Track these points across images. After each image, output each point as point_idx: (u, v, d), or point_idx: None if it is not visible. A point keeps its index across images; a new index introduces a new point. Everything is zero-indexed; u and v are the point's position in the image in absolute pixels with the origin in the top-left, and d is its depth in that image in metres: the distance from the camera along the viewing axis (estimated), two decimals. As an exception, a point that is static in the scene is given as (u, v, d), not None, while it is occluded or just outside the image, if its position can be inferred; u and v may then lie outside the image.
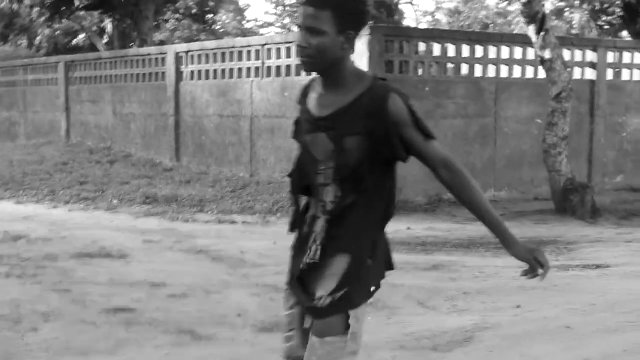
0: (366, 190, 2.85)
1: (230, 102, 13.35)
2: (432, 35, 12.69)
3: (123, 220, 10.56)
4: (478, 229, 10.11)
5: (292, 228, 3.07)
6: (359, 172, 2.82)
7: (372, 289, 2.91)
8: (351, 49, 2.77)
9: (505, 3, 12.66)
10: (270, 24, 69.03)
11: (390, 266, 3.13)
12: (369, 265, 2.88)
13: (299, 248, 2.98)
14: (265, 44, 12.71)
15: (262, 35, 66.31)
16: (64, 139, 18.34)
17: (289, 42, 12.33)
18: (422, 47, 11.76)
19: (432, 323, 5.79)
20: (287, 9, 30.41)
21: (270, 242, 8.90)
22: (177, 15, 45.38)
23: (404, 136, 2.80)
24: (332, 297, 2.80)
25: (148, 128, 15.60)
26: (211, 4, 42.63)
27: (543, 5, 11.01)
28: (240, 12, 66.66)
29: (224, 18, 58.51)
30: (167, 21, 42.85)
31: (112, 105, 16.78)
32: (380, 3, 36.63)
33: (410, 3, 50.45)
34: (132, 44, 37.95)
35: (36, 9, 24.13)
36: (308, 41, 2.75)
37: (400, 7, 46.67)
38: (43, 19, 25.18)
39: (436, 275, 7.46)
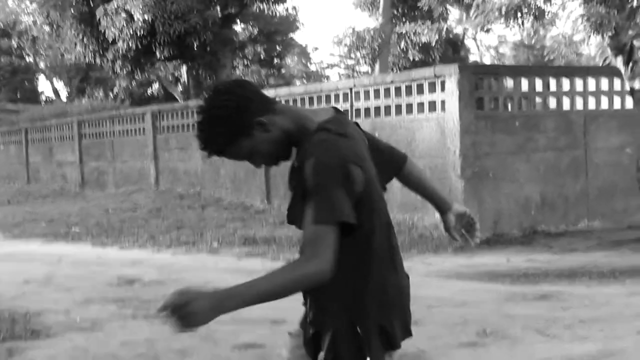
0: None
1: (319, 144, 13.66)
2: (520, 71, 12.89)
3: (227, 261, 10.87)
4: (576, 259, 10.25)
5: None
6: None
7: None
8: (270, 124, 2.60)
9: (587, 37, 12.71)
10: (335, 65, 69.84)
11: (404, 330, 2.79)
12: (358, 336, 2.62)
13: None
14: (353, 87, 13.03)
15: (326, 77, 66.98)
16: (153, 186, 18.85)
17: (377, 84, 12.63)
18: (509, 83, 11.95)
19: (557, 351, 5.92)
20: (350, 49, 30.81)
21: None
22: (246, 62, 46.26)
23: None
24: None
25: (237, 172, 15.99)
26: (279, 48, 43.39)
27: (631, 37, 11.14)
28: (304, 55, 67.63)
29: (289, 62, 59.39)
30: (235, 67, 43.71)
31: (200, 151, 17.22)
32: (447, 40, 36.85)
33: (474, 39, 50.43)
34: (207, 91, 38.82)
35: (118, 62, 24.94)
36: (251, 162, 2.71)
37: (465, 42, 46.87)
38: (124, 71, 25.99)
39: (547, 305, 7.56)
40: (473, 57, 54.85)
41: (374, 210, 2.63)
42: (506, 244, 11.18)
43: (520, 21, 15.12)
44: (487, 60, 63.44)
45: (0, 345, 6.55)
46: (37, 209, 18.81)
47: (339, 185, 2.46)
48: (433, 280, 9.01)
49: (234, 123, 2.58)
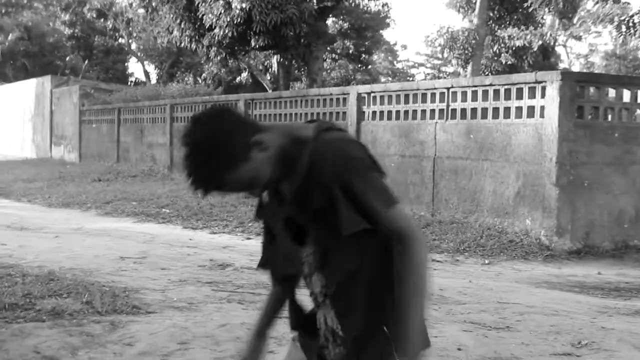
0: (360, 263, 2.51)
1: (412, 142, 13.67)
2: (622, 81, 12.70)
3: (315, 253, 10.98)
4: (670, 277, 10.07)
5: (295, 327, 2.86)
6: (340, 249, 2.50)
7: None
8: (266, 142, 2.43)
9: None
10: (421, 65, 69.63)
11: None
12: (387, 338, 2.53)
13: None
14: (451, 87, 13.01)
15: (412, 76, 66.76)
16: (241, 174, 19.07)
17: (475, 86, 12.58)
18: (611, 92, 11.79)
19: (657, 367, 5.87)
20: (443, 49, 30.71)
21: (466, 281, 9.12)
22: (334, 56, 46.45)
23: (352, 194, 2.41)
24: None
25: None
26: (367, 44, 43.43)
27: None
28: (391, 52, 67.56)
29: (375, 58, 59.38)
30: (324, 60, 43.86)
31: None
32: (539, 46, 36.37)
33: (564, 46, 49.61)
34: (295, 82, 39.06)
35: (213, 49, 25.30)
36: (252, 190, 2.52)
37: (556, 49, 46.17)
38: (219, 57, 26.38)
39: (642, 321, 7.48)
40: (562, 65, 54.03)
41: None
42: (597, 256, 11.05)
43: (632, 31, 14.81)
44: (575, 69, 62.47)
45: (103, 318, 6.76)
46: (127, 188, 19.25)
47: (376, 170, 2.46)
48: (523, 287, 8.97)
49: (232, 147, 2.37)
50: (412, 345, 2.41)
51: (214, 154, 2.36)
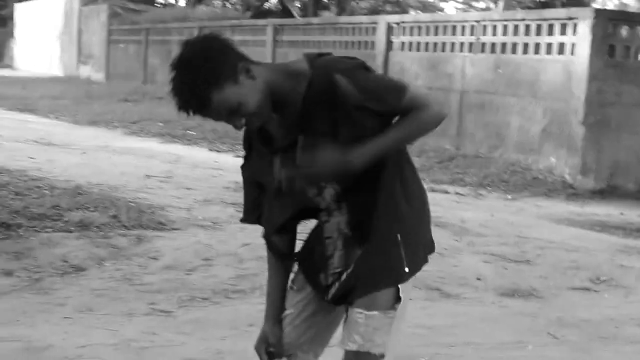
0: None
1: (440, 75, 13.62)
2: (657, 21, 12.55)
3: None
4: (694, 220, 10.07)
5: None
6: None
7: (407, 270, 2.54)
8: (254, 71, 2.41)
9: None
10: (451, -1, 68.61)
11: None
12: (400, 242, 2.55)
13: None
14: (482, 20, 12.89)
15: (442, 9, 65.89)
16: (268, 99, 19.06)
17: (506, 20, 12.47)
18: (645, 33, 11.67)
19: (674, 306, 5.94)
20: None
21: (487, 214, 9.16)
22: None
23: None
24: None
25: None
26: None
27: None
28: (423, -16, 66.55)
29: (406, -10, 58.58)
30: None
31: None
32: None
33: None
34: (324, 10, 38.75)
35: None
36: (237, 116, 2.43)
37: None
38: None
39: (663, 261, 7.52)
40: (595, 5, 53.13)
41: None
42: (620, 197, 11.06)
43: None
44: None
45: (130, 232, 6.90)
46: (154, 110, 19.24)
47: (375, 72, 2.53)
48: (545, 224, 9.03)
49: (220, 64, 2.36)
50: (361, 155, 2.42)
51: (202, 68, 2.35)
